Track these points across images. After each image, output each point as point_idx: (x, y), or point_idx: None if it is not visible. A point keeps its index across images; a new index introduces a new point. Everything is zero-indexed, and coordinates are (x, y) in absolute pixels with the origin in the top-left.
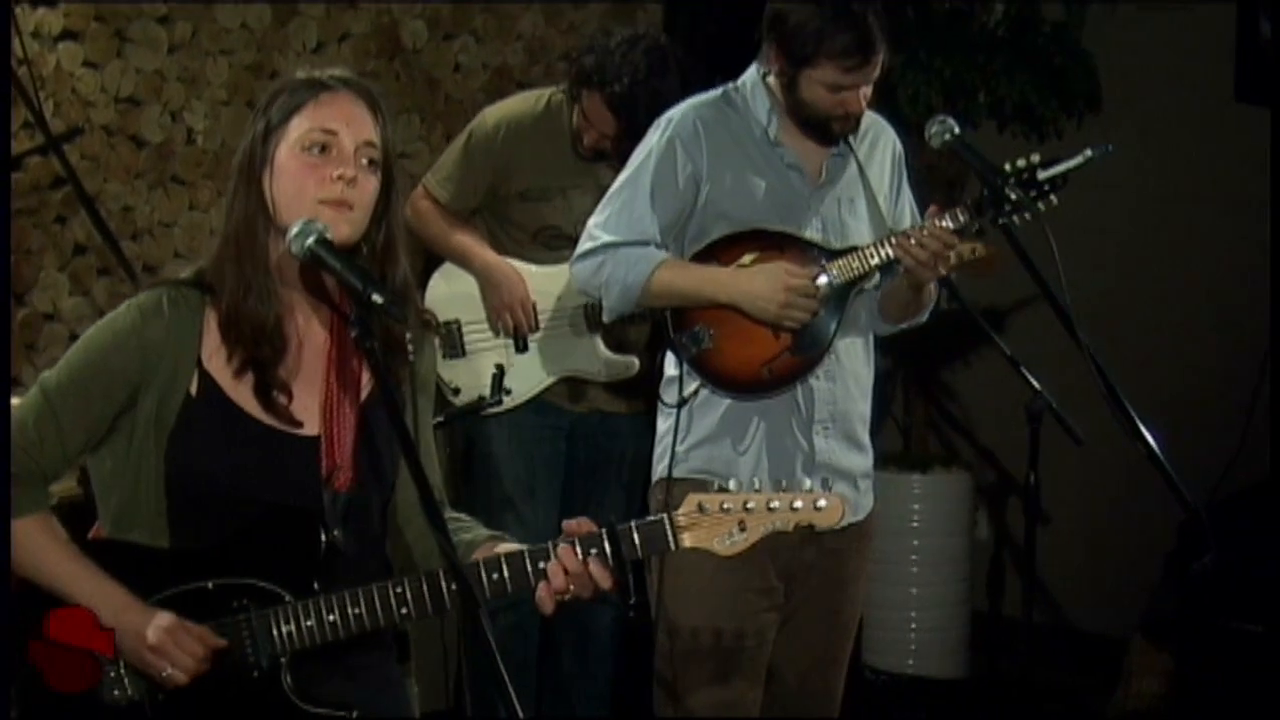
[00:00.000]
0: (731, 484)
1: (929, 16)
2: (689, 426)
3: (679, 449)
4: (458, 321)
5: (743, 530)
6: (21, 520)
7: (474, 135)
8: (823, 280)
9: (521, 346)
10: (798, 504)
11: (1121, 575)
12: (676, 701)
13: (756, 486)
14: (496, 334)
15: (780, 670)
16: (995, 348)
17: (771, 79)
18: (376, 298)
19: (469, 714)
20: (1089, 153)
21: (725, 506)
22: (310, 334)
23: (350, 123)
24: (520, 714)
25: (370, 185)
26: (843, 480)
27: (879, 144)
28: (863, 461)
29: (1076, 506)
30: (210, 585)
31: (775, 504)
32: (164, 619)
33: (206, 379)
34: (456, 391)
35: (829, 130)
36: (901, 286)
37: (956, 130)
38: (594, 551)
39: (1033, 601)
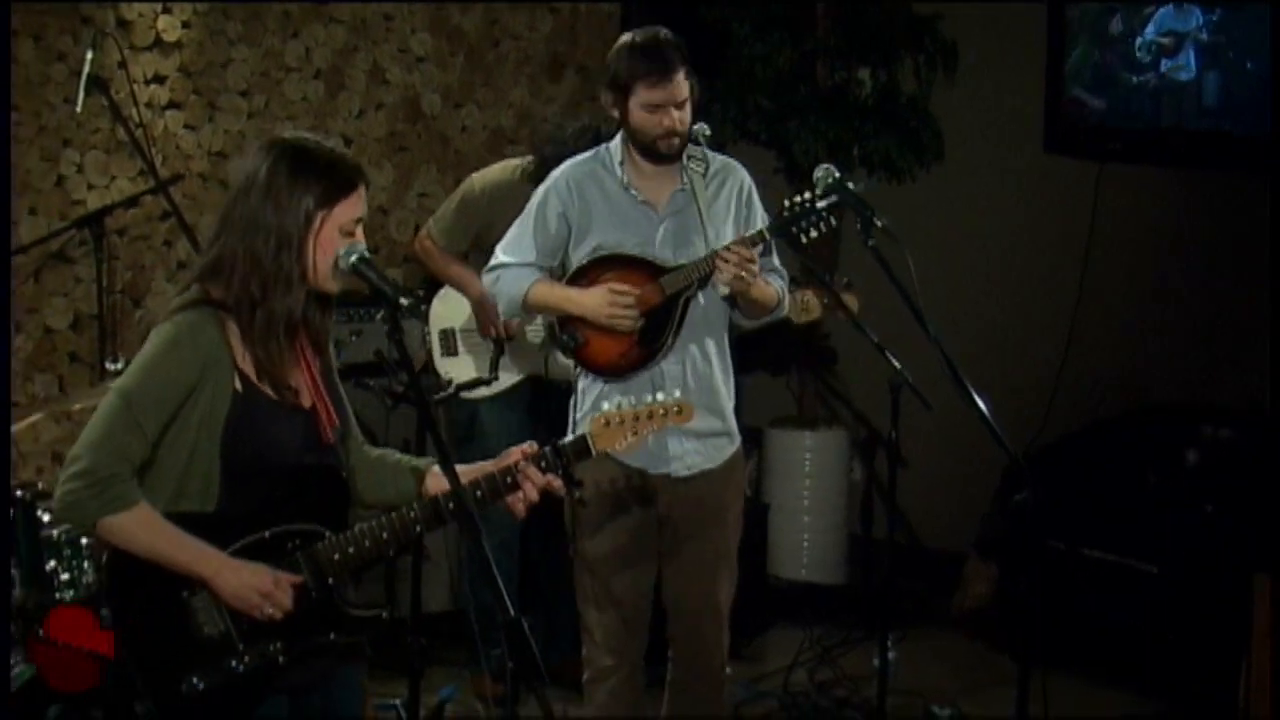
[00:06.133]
0: (620, 402)
1: (816, 90)
2: (584, 399)
3: (578, 416)
4: (453, 328)
5: (635, 434)
6: (129, 511)
7: (465, 197)
8: (650, 289)
9: (501, 350)
10: (661, 411)
11: (960, 506)
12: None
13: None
14: (479, 339)
15: (674, 598)
16: (866, 337)
17: (623, 135)
18: (404, 300)
19: (471, 612)
20: (852, 185)
21: (619, 420)
22: None
23: (365, 210)
24: (511, 610)
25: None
26: (691, 438)
27: (727, 182)
28: (713, 422)
29: (927, 455)
30: (267, 535)
31: (647, 413)
32: (265, 572)
33: (245, 379)
34: (450, 383)
35: (658, 150)
36: (735, 294)
37: (837, 175)
38: (543, 464)
39: (894, 526)
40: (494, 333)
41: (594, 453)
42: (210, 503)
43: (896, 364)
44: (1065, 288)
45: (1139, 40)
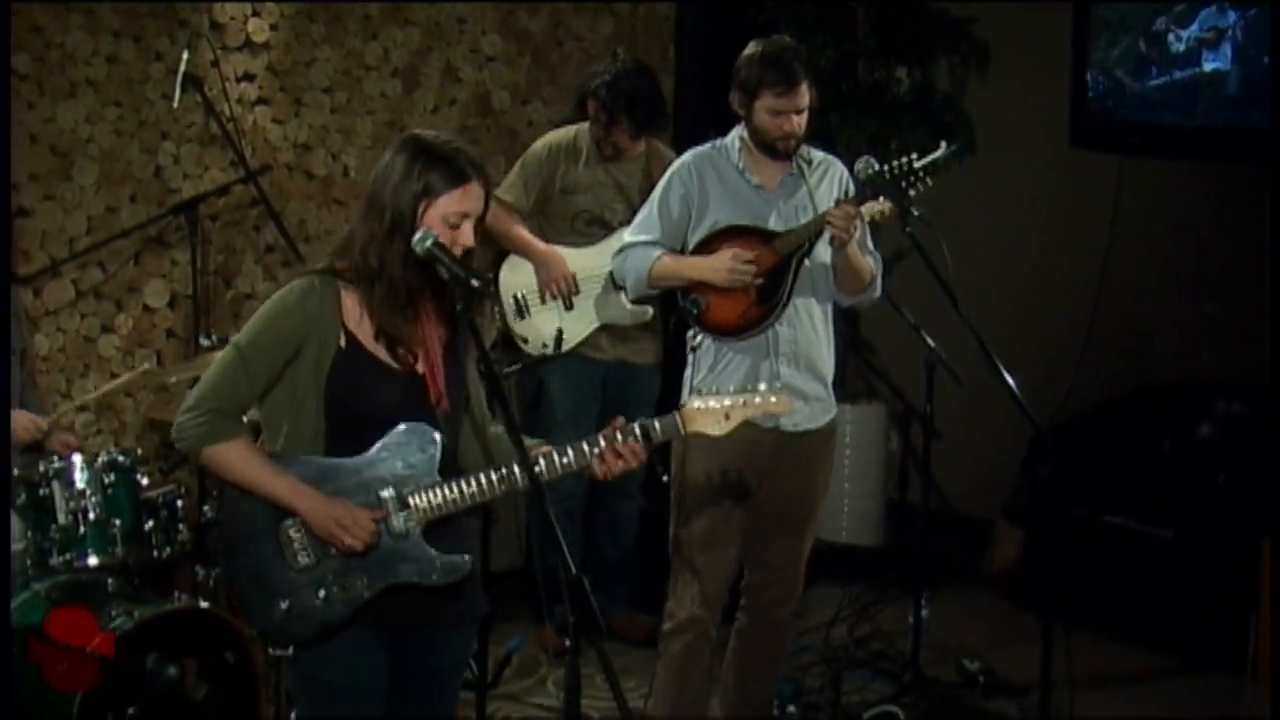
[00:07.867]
0: (717, 386)
1: (858, 87)
2: (700, 366)
3: (695, 381)
4: (523, 293)
5: (728, 419)
6: (230, 443)
7: (527, 157)
8: (765, 252)
9: (569, 306)
10: (758, 400)
11: (990, 475)
12: (681, 527)
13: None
14: (544, 302)
15: (759, 552)
16: (903, 318)
17: (742, 128)
18: (475, 283)
19: (535, 570)
20: (944, 146)
21: (712, 405)
22: None
23: (475, 208)
24: (573, 569)
25: (473, 237)
26: (797, 398)
27: (829, 173)
28: (817, 388)
29: (958, 427)
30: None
31: (744, 400)
32: (345, 506)
33: (351, 338)
34: (525, 341)
35: (776, 149)
36: (837, 258)
37: (876, 166)
38: (630, 438)
39: (928, 492)
40: (555, 291)
41: (684, 434)
42: (320, 447)
43: (931, 343)
44: (1088, 272)
45: (1182, 34)
